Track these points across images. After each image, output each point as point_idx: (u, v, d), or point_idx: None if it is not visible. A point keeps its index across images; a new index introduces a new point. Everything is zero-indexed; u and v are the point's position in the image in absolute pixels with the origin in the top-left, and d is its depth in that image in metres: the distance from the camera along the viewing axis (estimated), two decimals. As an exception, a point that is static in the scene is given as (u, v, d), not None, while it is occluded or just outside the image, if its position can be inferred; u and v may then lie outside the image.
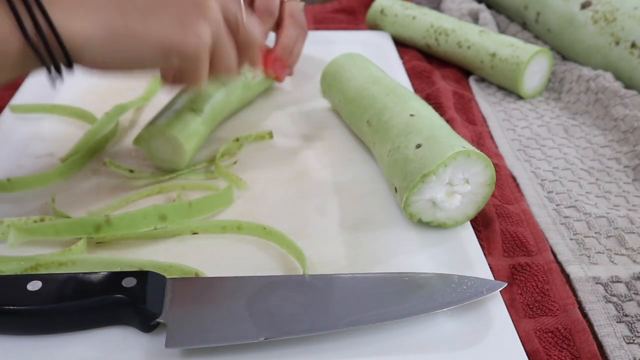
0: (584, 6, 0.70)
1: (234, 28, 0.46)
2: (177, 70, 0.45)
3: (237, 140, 0.57)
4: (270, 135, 0.58)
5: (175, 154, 0.52)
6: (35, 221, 0.46)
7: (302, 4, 0.65)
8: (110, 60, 0.41)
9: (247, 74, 0.61)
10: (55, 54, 0.38)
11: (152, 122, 0.52)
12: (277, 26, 0.64)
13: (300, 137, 0.60)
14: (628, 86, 0.65)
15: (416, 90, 0.69)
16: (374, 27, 0.83)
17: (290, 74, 0.66)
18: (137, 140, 0.52)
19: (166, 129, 0.51)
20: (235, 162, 0.55)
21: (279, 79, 0.64)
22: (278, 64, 0.61)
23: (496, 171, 0.51)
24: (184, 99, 0.55)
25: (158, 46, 0.41)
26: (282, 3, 0.63)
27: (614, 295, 0.43)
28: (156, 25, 0.40)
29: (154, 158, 0.53)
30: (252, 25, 0.47)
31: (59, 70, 0.39)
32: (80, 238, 0.44)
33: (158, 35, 0.40)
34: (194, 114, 0.53)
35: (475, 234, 0.48)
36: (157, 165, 0.53)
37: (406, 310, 0.39)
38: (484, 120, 0.65)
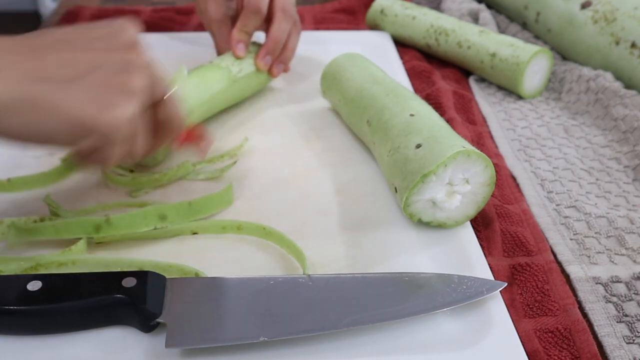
0: (584, 6, 0.70)
1: (157, 100, 0.42)
2: (90, 151, 0.40)
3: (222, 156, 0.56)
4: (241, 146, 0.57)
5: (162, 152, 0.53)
6: (35, 221, 0.46)
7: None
8: (26, 131, 0.37)
9: (231, 69, 0.60)
10: None
11: None
12: (268, 21, 0.64)
13: (300, 137, 0.60)
14: (628, 86, 0.65)
15: (416, 90, 0.69)
16: (374, 27, 0.83)
17: (286, 70, 0.66)
18: None
19: None
20: (235, 162, 0.55)
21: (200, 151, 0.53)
22: (195, 139, 0.51)
23: (496, 171, 0.51)
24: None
25: (74, 120, 0.37)
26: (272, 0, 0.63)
27: (614, 295, 0.43)
28: (74, 99, 0.37)
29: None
30: (173, 108, 0.43)
31: None
32: (80, 238, 0.44)
33: (75, 108, 0.37)
34: None
35: (475, 234, 0.48)
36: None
37: (406, 310, 0.39)
38: (484, 120, 0.65)
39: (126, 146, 0.41)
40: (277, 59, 0.64)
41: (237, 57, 0.62)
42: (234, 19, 0.65)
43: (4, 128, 0.36)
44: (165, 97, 0.42)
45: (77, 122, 0.37)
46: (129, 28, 0.42)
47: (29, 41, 0.38)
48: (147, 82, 0.40)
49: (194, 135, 0.50)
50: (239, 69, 0.61)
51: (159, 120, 0.43)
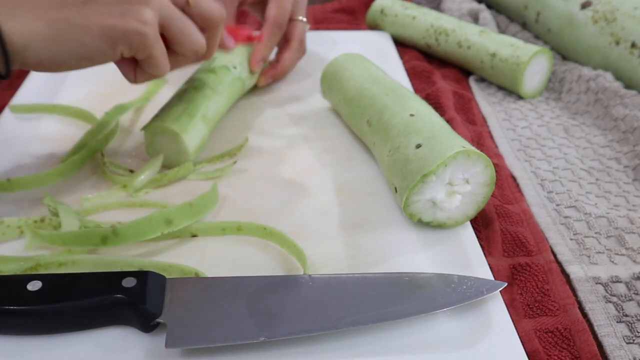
0: (584, 6, 0.70)
1: (184, 6, 0.45)
2: (136, 63, 0.45)
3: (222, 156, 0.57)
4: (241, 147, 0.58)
5: (177, 157, 0.53)
6: (35, 221, 0.46)
7: (307, 26, 0.67)
8: (57, 57, 0.40)
9: (241, 76, 0.61)
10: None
11: (166, 116, 0.53)
12: (283, 43, 0.66)
13: (300, 137, 0.60)
14: (628, 86, 0.65)
15: (416, 90, 0.69)
16: (374, 27, 0.83)
17: (268, 82, 0.67)
18: (146, 128, 0.53)
19: (180, 134, 0.51)
20: (235, 162, 0.55)
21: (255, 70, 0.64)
22: (246, 37, 0.62)
23: (496, 171, 0.51)
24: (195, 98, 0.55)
25: (100, 34, 0.40)
26: (292, 21, 0.64)
27: (614, 295, 0.43)
28: (95, 14, 0.40)
29: (151, 148, 0.53)
30: (206, 2, 0.47)
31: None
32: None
33: (98, 23, 0.40)
34: (202, 120, 0.54)
35: (475, 234, 0.48)
36: (150, 154, 0.53)
37: (406, 310, 0.39)
38: (484, 120, 0.65)
39: (174, 45, 0.45)
40: (272, 76, 0.67)
41: (253, 72, 0.64)
42: (241, 2, 0.66)
43: (49, 59, 0.40)
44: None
45: (105, 31, 0.40)
46: None
47: None
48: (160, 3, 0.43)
49: (243, 34, 0.60)
50: (245, 75, 0.62)
51: (196, 19, 0.46)
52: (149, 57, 0.44)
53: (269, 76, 0.66)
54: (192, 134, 0.53)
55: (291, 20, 0.64)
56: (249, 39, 0.62)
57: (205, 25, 0.47)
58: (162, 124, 0.52)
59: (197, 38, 0.46)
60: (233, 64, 0.61)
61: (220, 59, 0.61)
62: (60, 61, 0.41)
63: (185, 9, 0.46)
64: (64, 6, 0.40)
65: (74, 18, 0.40)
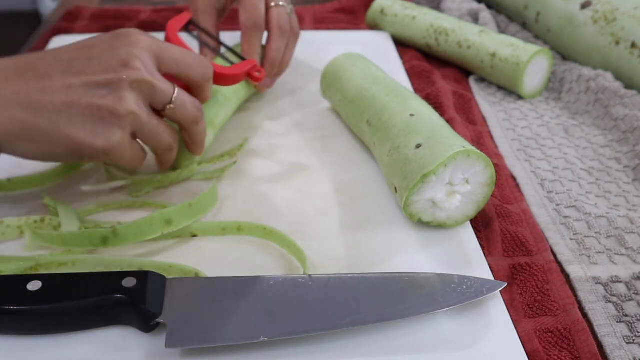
0: (584, 6, 0.70)
1: (162, 110, 0.45)
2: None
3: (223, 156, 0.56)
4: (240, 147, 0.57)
5: (180, 160, 0.52)
6: (35, 221, 0.46)
7: (290, 7, 0.63)
8: (29, 154, 0.42)
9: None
10: None
11: None
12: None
13: (300, 137, 0.60)
14: (628, 86, 0.65)
15: (416, 90, 0.69)
16: (374, 27, 0.83)
17: (270, 86, 0.65)
18: None
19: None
20: (235, 163, 0.55)
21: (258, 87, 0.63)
22: (249, 73, 0.59)
23: (496, 171, 0.51)
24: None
25: (68, 148, 0.41)
26: (268, 9, 0.62)
27: (614, 295, 0.43)
28: (67, 127, 0.40)
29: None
30: (183, 103, 0.46)
31: None
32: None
33: (68, 138, 0.41)
34: (210, 126, 0.54)
35: (475, 234, 0.48)
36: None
37: (406, 310, 0.39)
38: (484, 120, 0.65)
39: (138, 156, 0.45)
40: (269, 75, 0.64)
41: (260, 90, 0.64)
42: (220, 13, 0.65)
43: (21, 155, 0.42)
44: (172, 101, 0.45)
45: (72, 147, 0.41)
46: (129, 38, 0.44)
47: (28, 65, 0.42)
48: (139, 98, 0.42)
49: (248, 65, 0.58)
50: (222, 92, 0.60)
51: (175, 121, 0.47)
52: (117, 162, 0.44)
53: (265, 77, 0.63)
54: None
55: (267, 9, 0.62)
56: (250, 76, 0.60)
57: (180, 125, 0.48)
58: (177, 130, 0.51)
59: (167, 139, 0.46)
60: None
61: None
62: (34, 158, 0.42)
63: (162, 111, 0.45)
64: (39, 111, 0.40)
65: (46, 129, 0.40)
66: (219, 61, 0.61)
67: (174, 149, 0.48)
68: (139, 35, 0.44)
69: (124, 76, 0.41)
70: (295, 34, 0.65)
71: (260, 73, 0.60)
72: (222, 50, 0.63)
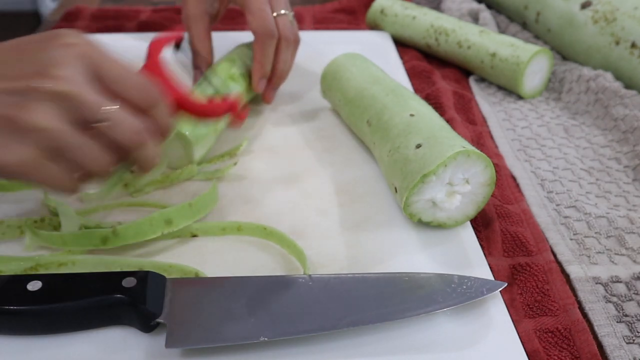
0: (584, 6, 0.70)
1: (92, 128, 0.36)
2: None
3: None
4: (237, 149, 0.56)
5: (179, 160, 0.52)
6: (35, 221, 0.46)
7: (291, 14, 0.62)
8: None
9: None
10: None
11: (182, 122, 0.51)
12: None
13: (300, 137, 0.60)
14: (628, 86, 0.65)
15: (416, 90, 0.69)
16: (374, 27, 0.83)
17: (272, 98, 0.64)
18: None
19: (192, 144, 0.51)
20: (235, 163, 0.55)
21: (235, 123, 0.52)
22: (229, 110, 0.48)
23: (496, 171, 0.51)
24: None
25: None
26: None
27: (614, 295, 0.43)
28: None
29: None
30: (118, 123, 0.37)
31: None
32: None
33: None
34: (214, 132, 0.54)
35: (475, 234, 0.48)
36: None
37: (406, 310, 0.39)
38: (484, 120, 0.65)
39: (62, 179, 0.37)
40: (274, 87, 0.64)
41: (256, 91, 0.62)
42: (213, 18, 0.64)
43: None
44: (102, 119, 0.36)
45: None
46: (65, 41, 0.36)
47: None
48: (57, 112, 0.35)
49: (227, 107, 0.48)
50: (245, 91, 0.60)
51: (113, 142, 0.37)
52: (37, 180, 0.36)
53: (272, 88, 0.63)
54: (203, 144, 0.53)
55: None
56: (229, 111, 0.48)
57: (122, 148, 0.38)
58: (179, 130, 0.51)
59: (99, 160, 0.37)
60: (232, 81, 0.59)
61: (221, 73, 0.60)
62: None
63: (93, 130, 0.37)
64: None
65: None
66: (206, 88, 0.57)
67: (109, 172, 0.39)
68: (79, 41, 0.37)
69: (43, 85, 0.34)
70: (297, 42, 0.64)
71: (243, 112, 0.51)
72: (216, 80, 0.59)
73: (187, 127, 0.52)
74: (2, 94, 0.35)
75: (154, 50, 0.47)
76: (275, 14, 0.60)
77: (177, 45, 0.51)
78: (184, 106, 0.44)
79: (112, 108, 0.36)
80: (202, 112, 0.46)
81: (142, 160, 0.39)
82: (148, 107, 0.39)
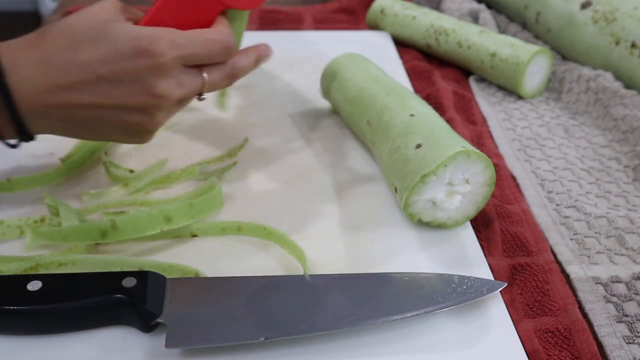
0: (584, 6, 0.70)
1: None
2: None
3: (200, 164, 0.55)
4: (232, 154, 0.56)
5: None
6: (35, 221, 0.46)
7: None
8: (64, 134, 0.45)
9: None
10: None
11: None
12: None
13: (300, 137, 0.60)
14: (628, 86, 0.65)
15: (416, 90, 0.69)
16: (374, 27, 0.83)
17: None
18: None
19: None
20: (235, 163, 0.55)
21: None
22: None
23: (496, 171, 0.51)
24: None
25: (107, 140, 0.46)
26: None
27: (614, 295, 0.43)
28: (100, 133, 0.45)
29: None
30: (214, 86, 0.46)
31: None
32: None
33: (104, 138, 0.46)
34: None
35: (475, 234, 0.48)
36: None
37: (406, 310, 0.39)
38: (484, 120, 0.65)
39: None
40: None
41: None
42: None
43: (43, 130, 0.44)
44: (204, 90, 0.45)
45: (111, 140, 0.46)
46: (152, 58, 0.41)
47: (57, 55, 0.41)
48: (169, 110, 0.45)
49: None
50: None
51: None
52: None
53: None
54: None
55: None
56: None
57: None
58: None
59: (216, 45, 0.45)
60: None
61: None
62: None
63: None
64: (71, 122, 0.43)
65: (83, 135, 0.45)
66: None
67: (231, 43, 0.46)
68: (160, 45, 0.41)
69: (154, 103, 0.43)
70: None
71: None
72: None
73: None
74: (118, 109, 0.42)
75: None
76: None
77: None
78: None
79: (205, 80, 0.45)
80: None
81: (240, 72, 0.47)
82: (229, 55, 0.46)
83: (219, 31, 0.45)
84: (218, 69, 0.45)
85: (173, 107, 0.45)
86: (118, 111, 0.42)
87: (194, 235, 0.47)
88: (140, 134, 0.45)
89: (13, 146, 0.44)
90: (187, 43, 0.43)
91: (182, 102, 0.45)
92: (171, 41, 0.42)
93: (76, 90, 0.41)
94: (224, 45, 0.45)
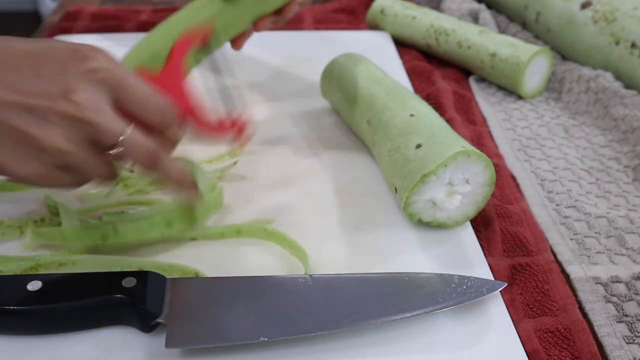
0: (584, 6, 0.70)
1: (108, 150, 0.38)
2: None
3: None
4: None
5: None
6: (35, 221, 0.46)
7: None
8: None
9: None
10: None
11: None
12: None
13: (301, 137, 0.60)
14: (628, 86, 0.65)
15: (416, 90, 0.69)
16: (374, 27, 0.83)
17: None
18: None
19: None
20: (235, 163, 0.55)
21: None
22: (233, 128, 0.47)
23: (496, 171, 0.51)
24: None
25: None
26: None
27: (614, 295, 0.43)
28: None
29: None
30: (133, 146, 0.38)
31: None
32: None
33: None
34: None
35: (475, 234, 0.48)
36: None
37: (406, 310, 0.39)
38: (484, 120, 0.65)
39: (78, 181, 0.39)
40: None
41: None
42: None
43: None
44: (119, 144, 0.38)
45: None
46: (87, 63, 0.37)
47: None
48: (72, 135, 0.36)
49: (236, 128, 0.47)
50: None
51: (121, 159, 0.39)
52: (50, 185, 0.39)
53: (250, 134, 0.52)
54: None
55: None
56: (238, 132, 0.47)
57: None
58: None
59: (111, 174, 0.40)
60: None
61: None
62: None
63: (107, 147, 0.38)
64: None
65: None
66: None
67: (169, 110, 0.40)
68: (101, 62, 0.37)
69: (61, 108, 0.36)
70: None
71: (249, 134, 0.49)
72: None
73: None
74: (22, 109, 0.36)
75: (177, 54, 0.46)
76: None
77: (204, 44, 0.50)
78: (193, 120, 0.44)
79: (127, 133, 0.38)
80: (209, 130, 0.45)
81: (163, 177, 0.41)
82: (164, 128, 0.41)
83: (165, 101, 0.40)
84: (143, 139, 0.38)
85: (74, 140, 0.36)
86: (21, 112, 0.35)
87: (194, 239, 0.46)
88: (32, 154, 0.36)
89: None
90: (128, 76, 0.38)
91: (83, 144, 0.37)
92: (113, 61, 0.38)
93: None
94: (163, 107, 0.40)
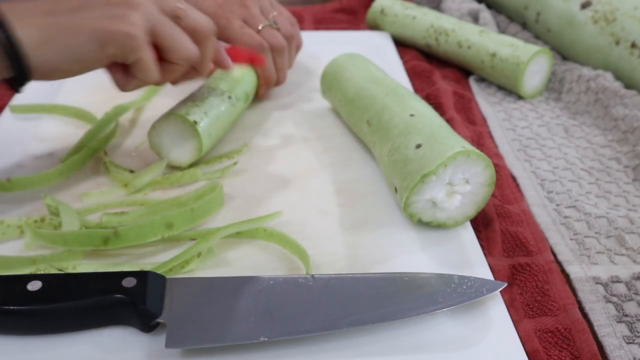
0: (584, 6, 0.70)
1: (173, 17, 0.47)
2: (125, 67, 0.46)
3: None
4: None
5: (180, 159, 0.53)
6: (35, 221, 0.46)
7: (272, 22, 0.63)
8: (49, 62, 0.42)
9: (231, 95, 0.58)
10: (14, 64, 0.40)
11: (180, 111, 0.52)
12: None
13: (300, 137, 0.60)
14: (628, 86, 0.65)
15: (416, 90, 0.69)
16: (374, 27, 0.83)
17: (265, 95, 0.66)
18: (170, 115, 0.52)
19: (202, 140, 0.52)
20: (235, 163, 0.55)
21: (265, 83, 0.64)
22: (247, 57, 0.61)
23: (496, 171, 0.51)
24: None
25: (90, 36, 0.42)
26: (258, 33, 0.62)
27: (614, 295, 0.43)
28: (85, 19, 0.42)
29: (156, 141, 0.53)
30: (195, 14, 0.48)
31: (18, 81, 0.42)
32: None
33: (88, 26, 0.42)
34: (208, 137, 0.54)
35: (475, 234, 0.48)
36: (154, 147, 0.53)
37: (406, 310, 0.39)
38: (484, 120, 0.65)
39: (165, 52, 0.46)
40: (267, 88, 0.67)
41: (262, 97, 0.66)
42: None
43: (42, 63, 0.41)
44: (181, 8, 0.47)
45: (95, 33, 0.42)
46: None
47: None
48: (152, 3, 0.45)
49: (243, 54, 0.60)
50: (235, 93, 0.59)
51: (187, 30, 0.48)
52: (138, 60, 0.45)
53: (265, 90, 0.66)
54: (206, 144, 0.53)
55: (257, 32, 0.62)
56: (251, 60, 0.61)
57: (195, 37, 0.48)
58: (189, 119, 0.52)
59: (188, 44, 0.47)
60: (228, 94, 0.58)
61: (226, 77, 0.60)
62: (53, 66, 0.42)
63: (175, 22, 0.47)
64: (55, 13, 0.42)
65: (65, 22, 0.42)
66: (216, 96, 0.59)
67: (196, 55, 0.48)
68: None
69: None
70: (291, 42, 0.65)
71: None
72: (224, 84, 0.61)
73: (198, 115, 0.52)
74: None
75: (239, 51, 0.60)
76: (260, 27, 0.62)
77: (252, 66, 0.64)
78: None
79: (184, 4, 0.48)
80: (235, 52, 0.58)
81: (208, 52, 0.50)
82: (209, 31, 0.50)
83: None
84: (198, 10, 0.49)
85: (154, 5, 0.46)
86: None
87: (193, 239, 0.46)
88: (126, 12, 0.44)
89: (15, 89, 0.43)
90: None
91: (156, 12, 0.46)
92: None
93: None
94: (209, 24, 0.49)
